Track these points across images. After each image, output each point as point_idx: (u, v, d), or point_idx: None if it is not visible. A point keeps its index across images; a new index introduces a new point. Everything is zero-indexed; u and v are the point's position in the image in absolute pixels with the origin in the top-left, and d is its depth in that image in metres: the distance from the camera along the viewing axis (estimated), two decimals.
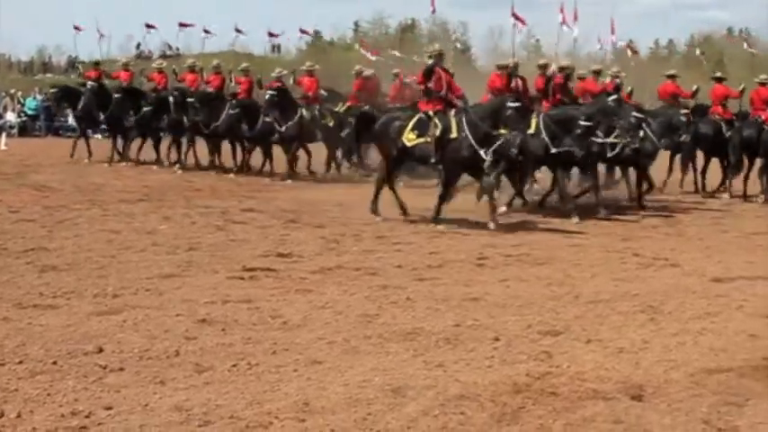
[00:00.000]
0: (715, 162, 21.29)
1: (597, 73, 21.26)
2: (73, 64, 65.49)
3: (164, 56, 69.68)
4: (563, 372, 6.56)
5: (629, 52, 37.86)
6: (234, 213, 14.79)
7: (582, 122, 15.58)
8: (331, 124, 22.30)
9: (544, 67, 18.63)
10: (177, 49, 71.53)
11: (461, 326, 7.80)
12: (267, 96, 21.22)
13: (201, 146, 23.58)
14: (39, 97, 38.46)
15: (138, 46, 71.26)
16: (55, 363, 6.37)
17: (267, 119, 21.30)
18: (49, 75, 62.11)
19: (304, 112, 21.72)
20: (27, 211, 14.08)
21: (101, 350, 6.70)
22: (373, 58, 43.70)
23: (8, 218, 13.33)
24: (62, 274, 9.41)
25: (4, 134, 30.31)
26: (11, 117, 35.44)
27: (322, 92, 25.78)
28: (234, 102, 22.55)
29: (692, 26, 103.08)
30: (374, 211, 14.67)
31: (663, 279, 10.23)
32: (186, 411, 5.51)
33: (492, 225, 13.80)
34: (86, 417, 5.37)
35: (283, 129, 21.29)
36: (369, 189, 18.85)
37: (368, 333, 7.50)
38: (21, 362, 6.36)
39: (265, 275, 9.74)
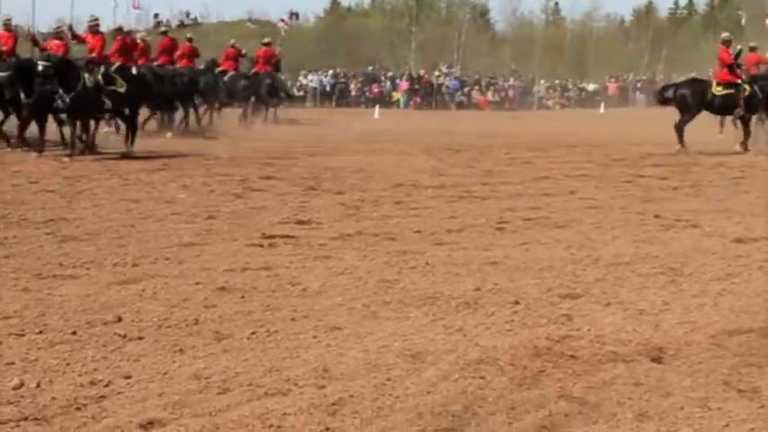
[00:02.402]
0: None
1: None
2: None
3: (182, 25, 69.85)
4: (583, 335, 6.53)
5: None
6: (253, 181, 14.78)
7: None
8: (122, 89, 19.83)
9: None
10: (195, 18, 71.69)
11: (481, 290, 7.77)
12: (40, 69, 18.46)
13: None
14: None
15: (157, 16, 71.31)
16: (74, 332, 6.36)
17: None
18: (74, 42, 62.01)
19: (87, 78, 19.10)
20: (46, 181, 14.10)
21: (120, 319, 6.69)
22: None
23: (28, 188, 13.36)
24: (81, 244, 9.41)
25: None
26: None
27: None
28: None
29: None
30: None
31: (683, 240, 10.17)
32: (205, 379, 5.49)
33: None
34: (105, 386, 5.36)
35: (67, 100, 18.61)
36: (389, 156, 18.94)
37: (387, 299, 7.47)
38: (40, 332, 6.36)
39: (284, 242, 9.72)
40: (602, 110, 51.42)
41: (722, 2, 77.37)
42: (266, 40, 36.09)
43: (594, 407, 5.19)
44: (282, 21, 69.86)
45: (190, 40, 31.18)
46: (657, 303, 7.41)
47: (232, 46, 35.35)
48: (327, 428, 4.83)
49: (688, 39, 71.01)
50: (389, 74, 56.19)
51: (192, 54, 30.20)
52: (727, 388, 5.55)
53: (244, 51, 36.48)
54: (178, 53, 29.55)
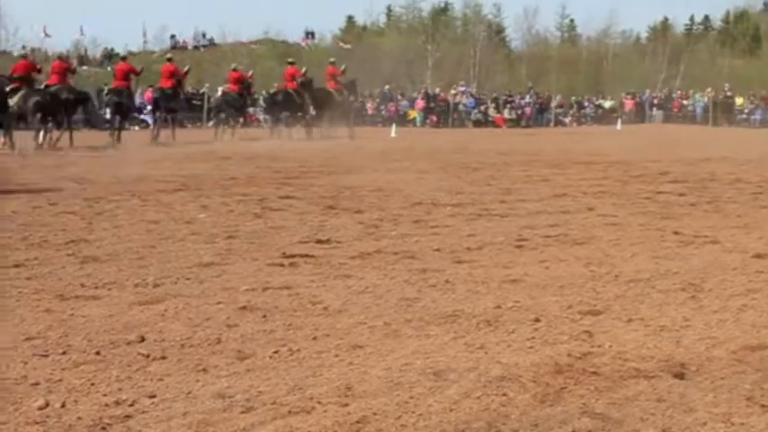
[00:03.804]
0: None
1: None
2: (109, 56, 65.96)
3: (197, 46, 70.21)
4: (604, 351, 6.54)
5: None
6: (271, 200, 14.83)
7: None
8: None
9: None
10: (211, 38, 72.05)
11: (502, 307, 7.79)
12: None
13: None
14: None
15: (173, 37, 71.72)
16: (98, 353, 6.41)
17: None
18: (84, 67, 62.49)
19: None
20: (66, 203, 14.16)
21: (143, 339, 6.73)
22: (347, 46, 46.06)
23: (48, 210, 13.42)
24: (103, 265, 9.46)
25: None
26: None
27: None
28: None
29: (728, 2, 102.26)
30: None
31: (703, 256, 10.18)
32: (229, 398, 5.52)
33: None
34: (130, 405, 5.40)
35: None
36: (407, 174, 18.99)
37: (408, 317, 7.50)
38: (64, 353, 6.40)
39: (304, 262, 9.76)
40: (618, 126, 51.45)
41: (737, 17, 77.40)
42: (290, 59, 37.33)
43: (617, 423, 5.20)
44: (304, 41, 70.26)
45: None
46: (678, 319, 7.42)
47: (234, 69, 36.55)
48: None
49: (705, 55, 71.07)
50: (401, 94, 56.38)
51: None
52: (749, 403, 5.55)
53: (250, 73, 37.41)
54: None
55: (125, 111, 32.53)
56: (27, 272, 9.08)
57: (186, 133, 33.68)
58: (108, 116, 35.23)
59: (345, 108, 38.11)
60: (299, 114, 36.48)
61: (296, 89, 36.12)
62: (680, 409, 5.43)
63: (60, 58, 32.19)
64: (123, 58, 35.76)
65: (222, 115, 36.33)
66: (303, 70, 37.75)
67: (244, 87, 36.61)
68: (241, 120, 36.13)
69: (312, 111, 36.24)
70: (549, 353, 6.50)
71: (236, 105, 36.05)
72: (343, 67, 39.07)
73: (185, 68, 35.67)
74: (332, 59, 39.88)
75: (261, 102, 43.15)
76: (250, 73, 38.94)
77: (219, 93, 42.06)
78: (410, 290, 8.47)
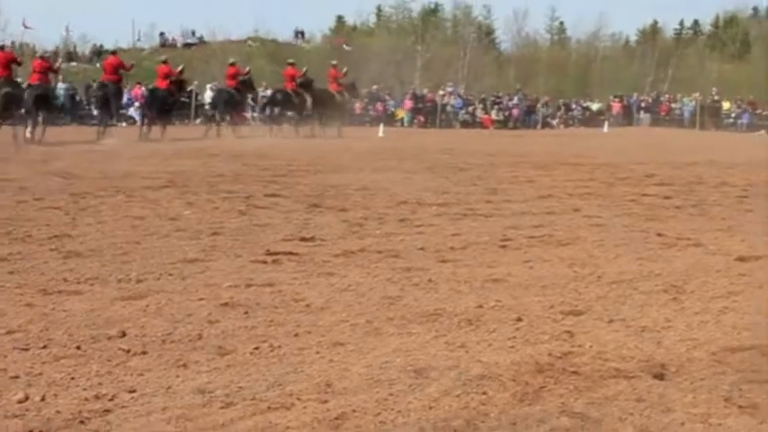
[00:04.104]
0: None
1: None
2: (98, 53, 65.83)
3: (188, 44, 70.11)
4: (585, 351, 6.55)
5: None
6: (257, 198, 14.81)
7: None
8: None
9: None
10: (201, 36, 71.95)
11: (484, 307, 7.80)
12: None
13: None
14: (63, 86, 38.74)
15: (162, 34, 71.59)
16: (78, 347, 6.40)
17: None
18: (73, 63, 62.35)
19: None
20: (52, 198, 14.13)
21: (124, 334, 6.72)
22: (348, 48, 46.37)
23: (33, 205, 13.39)
24: (86, 260, 9.44)
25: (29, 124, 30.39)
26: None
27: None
28: None
29: (718, 6, 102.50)
30: None
31: (686, 258, 10.21)
32: (208, 393, 5.52)
33: None
34: (110, 400, 5.39)
35: None
36: (393, 174, 19.00)
37: (390, 315, 7.50)
38: (45, 346, 6.39)
39: (288, 259, 9.76)
40: (605, 129, 51.52)
41: (727, 22, 77.59)
42: (290, 60, 37.81)
43: (596, 422, 5.21)
44: (299, 36, 70.26)
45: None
46: (660, 320, 7.44)
47: (232, 64, 36.59)
48: None
49: (693, 59, 71.21)
50: (389, 94, 56.37)
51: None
52: (728, 404, 5.57)
53: (248, 69, 37.51)
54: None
55: (111, 105, 32.63)
56: (9, 266, 9.06)
57: (174, 130, 33.54)
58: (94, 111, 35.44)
59: (345, 110, 38.56)
60: (297, 114, 36.68)
61: (295, 90, 36.37)
62: (658, 410, 5.44)
63: (42, 57, 32.09)
64: (113, 53, 35.77)
65: (213, 112, 36.61)
66: (303, 71, 37.98)
67: (240, 83, 36.69)
68: (227, 117, 35.98)
69: (310, 111, 36.54)
70: (529, 352, 6.51)
71: (233, 102, 36.17)
72: (344, 70, 39.51)
73: (179, 68, 35.67)
74: (334, 62, 40.32)
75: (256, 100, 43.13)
76: (247, 69, 38.96)
77: (209, 89, 42.13)
78: (393, 288, 8.48)
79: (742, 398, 5.66)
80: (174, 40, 71.09)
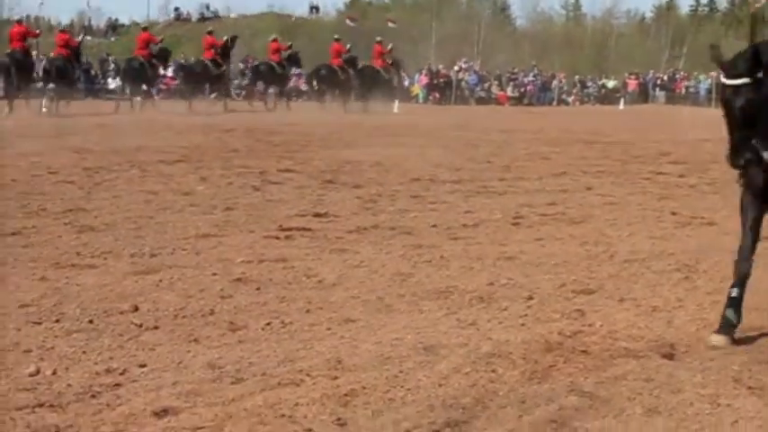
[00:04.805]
0: None
1: None
2: (113, 27, 65.80)
3: (202, 18, 70.00)
4: (595, 330, 6.56)
5: None
6: (271, 174, 14.81)
7: None
8: None
9: None
10: (216, 11, 71.83)
11: (495, 284, 7.81)
12: None
13: None
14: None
15: (177, 9, 71.49)
16: (91, 321, 6.43)
17: None
18: (89, 37, 62.22)
19: None
20: (66, 172, 14.16)
21: (136, 309, 6.75)
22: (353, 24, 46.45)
23: (47, 179, 13.43)
24: (100, 234, 9.48)
25: (45, 97, 30.42)
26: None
27: None
28: None
29: None
30: None
31: (699, 238, 10.18)
32: (219, 369, 5.55)
33: None
34: (121, 374, 5.42)
35: None
36: (407, 150, 18.98)
37: (401, 292, 7.52)
38: (57, 320, 6.43)
39: (301, 235, 9.78)
40: (621, 106, 51.33)
41: (742, 0, 77.08)
42: (337, 36, 38.19)
43: (605, 402, 5.22)
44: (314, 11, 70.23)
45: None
46: (671, 300, 7.43)
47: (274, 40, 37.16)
48: (339, 419, 4.87)
49: (709, 36, 70.78)
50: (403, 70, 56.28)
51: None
52: (737, 385, 5.56)
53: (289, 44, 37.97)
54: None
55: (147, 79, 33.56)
56: (24, 240, 9.11)
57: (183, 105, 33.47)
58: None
59: (391, 86, 38.70)
60: (343, 90, 36.98)
61: (341, 65, 36.60)
62: (667, 389, 5.44)
63: (63, 30, 32.22)
64: (144, 29, 36.31)
65: (258, 85, 37.45)
66: (347, 47, 38.18)
67: (284, 58, 37.36)
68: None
69: (355, 87, 36.92)
70: (540, 331, 6.51)
71: (277, 76, 36.94)
72: (390, 46, 39.70)
73: (224, 39, 36.45)
74: (378, 38, 40.37)
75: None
76: (289, 44, 39.26)
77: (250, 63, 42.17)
78: (405, 265, 8.49)
79: (751, 379, 5.65)
80: (188, 14, 70.98)
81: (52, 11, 60.25)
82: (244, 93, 39.89)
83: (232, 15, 69.56)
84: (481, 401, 5.16)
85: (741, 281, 6.62)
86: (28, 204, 11.06)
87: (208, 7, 71.54)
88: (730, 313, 6.43)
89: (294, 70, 40.40)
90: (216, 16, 70.65)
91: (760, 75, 6.03)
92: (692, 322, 6.80)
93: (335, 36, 39.68)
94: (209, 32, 36.71)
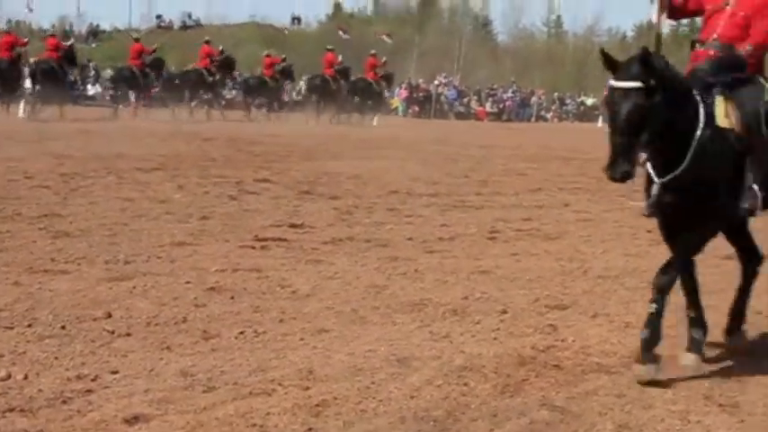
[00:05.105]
0: None
1: None
2: (94, 33, 65.66)
3: (184, 26, 69.94)
4: (568, 345, 6.58)
5: None
6: (248, 183, 14.79)
7: None
8: None
9: None
10: (198, 19, 71.79)
11: (469, 298, 7.82)
12: None
13: None
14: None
15: (159, 16, 71.41)
16: (63, 327, 6.41)
17: None
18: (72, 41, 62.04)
19: None
20: (42, 177, 14.10)
21: (109, 315, 6.73)
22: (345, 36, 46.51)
23: (24, 184, 13.37)
24: (74, 240, 9.44)
25: (23, 102, 30.32)
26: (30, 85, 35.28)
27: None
28: None
29: None
30: None
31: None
32: (191, 377, 5.54)
33: None
34: (92, 380, 5.41)
35: None
36: (385, 163, 18.99)
37: (376, 304, 7.52)
38: (29, 325, 6.40)
39: (276, 245, 9.77)
40: (600, 124, 51.46)
41: None
42: (330, 46, 38.44)
43: (576, 416, 5.24)
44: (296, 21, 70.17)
45: None
46: (644, 316, 7.43)
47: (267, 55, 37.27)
48: (310, 429, 4.88)
49: (689, 54, 70.97)
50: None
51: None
52: (708, 402, 5.61)
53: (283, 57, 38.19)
54: None
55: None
56: None
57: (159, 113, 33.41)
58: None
59: (383, 98, 38.98)
60: (334, 101, 37.55)
61: (333, 76, 36.93)
62: (638, 405, 5.48)
63: (53, 35, 32.65)
64: (136, 40, 36.14)
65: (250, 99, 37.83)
66: (339, 59, 38.63)
67: (277, 71, 37.98)
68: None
69: (346, 97, 37.25)
70: (513, 345, 6.53)
71: (269, 89, 37.72)
72: (383, 60, 40.12)
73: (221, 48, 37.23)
74: (372, 51, 40.72)
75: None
76: (283, 57, 39.62)
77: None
78: (379, 277, 8.49)
79: (722, 396, 5.70)
80: (170, 22, 70.89)
81: (33, 16, 59.79)
82: (224, 103, 39.84)
83: (214, 23, 69.54)
84: (453, 414, 5.18)
85: (691, 297, 6.66)
86: (3, 209, 11.01)
87: (190, 16, 71.51)
88: (697, 333, 6.42)
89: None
90: (198, 24, 70.62)
91: (652, 82, 5.75)
92: (664, 339, 6.81)
93: (328, 46, 39.81)
94: (207, 42, 36.96)
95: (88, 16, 71.21)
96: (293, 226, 10.98)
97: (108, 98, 37.96)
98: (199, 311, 7.00)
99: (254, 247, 9.59)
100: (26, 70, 31.21)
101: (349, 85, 37.68)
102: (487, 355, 6.22)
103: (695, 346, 6.36)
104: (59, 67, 31.12)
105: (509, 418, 5.17)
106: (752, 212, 6.51)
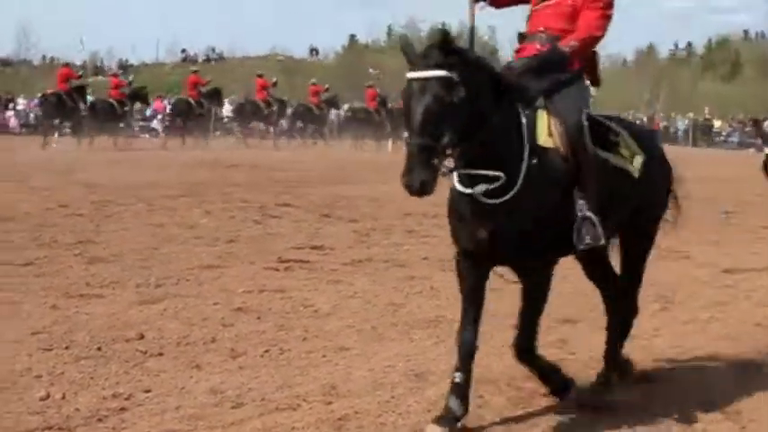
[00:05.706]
0: None
1: None
2: (124, 67, 66.04)
3: (208, 59, 70.26)
4: (577, 358, 6.57)
5: None
6: (270, 207, 14.81)
7: None
8: None
9: None
10: (221, 53, 72.16)
11: (482, 314, 7.79)
12: None
13: None
14: (90, 99, 38.73)
15: (184, 50, 71.76)
16: (99, 348, 6.43)
17: None
18: (100, 77, 62.38)
19: None
20: (76, 205, 14.14)
21: (142, 337, 6.75)
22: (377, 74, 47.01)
23: (58, 212, 13.41)
24: (108, 265, 9.47)
25: (56, 134, 30.47)
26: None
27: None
28: None
29: (713, 29, 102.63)
30: None
31: (676, 270, 10.19)
32: (220, 394, 5.56)
33: None
34: (126, 399, 5.43)
35: None
36: (399, 185, 18.92)
37: (394, 321, 7.54)
38: (67, 347, 6.43)
39: (299, 267, 9.79)
40: None
41: (719, 44, 77.40)
42: (313, 80, 39.21)
43: (587, 427, 5.23)
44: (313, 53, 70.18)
45: None
46: (649, 329, 7.45)
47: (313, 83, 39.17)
48: None
49: (687, 79, 70.98)
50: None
51: None
52: (710, 409, 5.59)
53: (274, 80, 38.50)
54: None
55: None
56: (36, 269, 9.10)
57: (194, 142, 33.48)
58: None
59: (383, 126, 39.28)
60: (320, 128, 39.05)
61: (318, 104, 38.30)
62: (645, 414, 5.46)
63: (66, 65, 32.97)
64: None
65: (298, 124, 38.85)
66: (325, 87, 39.77)
67: (322, 100, 38.89)
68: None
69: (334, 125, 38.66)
70: None
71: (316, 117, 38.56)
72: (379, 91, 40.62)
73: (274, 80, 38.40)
74: (370, 83, 41.42)
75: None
76: (326, 86, 40.81)
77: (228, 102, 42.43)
78: (397, 296, 8.50)
79: (726, 404, 5.67)
80: (195, 55, 71.26)
81: (65, 51, 59.96)
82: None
83: (237, 55, 69.87)
84: (468, 426, 5.17)
85: (464, 361, 5.30)
86: (40, 236, 11.04)
87: (213, 50, 71.88)
88: (454, 402, 5.11)
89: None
90: (221, 58, 70.97)
91: (456, 72, 4.62)
92: (669, 350, 6.83)
93: (369, 83, 40.67)
94: (260, 75, 38.26)
95: (116, 52, 71.72)
96: (314, 248, 11.00)
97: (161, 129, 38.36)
98: (227, 331, 7.02)
99: (277, 269, 9.61)
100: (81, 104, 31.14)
101: (388, 115, 38.31)
102: (500, 369, 6.21)
103: (447, 419, 5.07)
104: (71, 100, 31.01)
105: (522, 429, 5.18)
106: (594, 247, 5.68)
